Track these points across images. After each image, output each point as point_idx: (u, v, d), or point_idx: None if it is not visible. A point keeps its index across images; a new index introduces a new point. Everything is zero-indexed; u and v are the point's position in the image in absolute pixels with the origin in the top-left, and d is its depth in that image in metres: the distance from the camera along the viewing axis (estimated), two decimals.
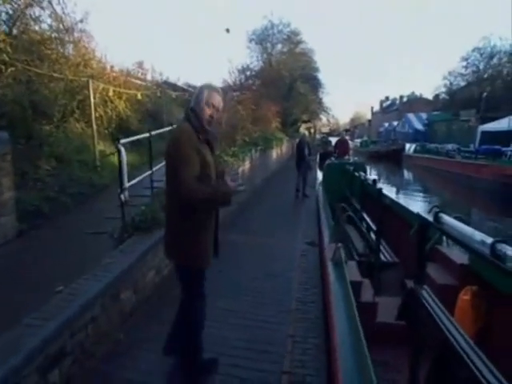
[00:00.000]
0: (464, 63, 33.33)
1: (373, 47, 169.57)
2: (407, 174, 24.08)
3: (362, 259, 4.15)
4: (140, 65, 19.13)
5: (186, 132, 1.97)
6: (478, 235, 1.54)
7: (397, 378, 2.69)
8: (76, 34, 8.86)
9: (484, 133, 18.32)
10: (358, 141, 41.40)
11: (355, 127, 71.35)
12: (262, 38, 27.20)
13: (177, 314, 2.28)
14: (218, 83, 11.80)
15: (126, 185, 3.96)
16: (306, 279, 3.92)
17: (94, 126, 7.91)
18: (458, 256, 3.44)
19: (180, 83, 19.65)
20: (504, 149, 16.20)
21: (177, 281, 2.19)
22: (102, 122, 9.18)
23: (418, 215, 2.13)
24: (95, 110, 8.39)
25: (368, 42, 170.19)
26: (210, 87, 2.09)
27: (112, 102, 9.41)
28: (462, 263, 3.22)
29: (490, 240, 1.40)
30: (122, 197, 4.00)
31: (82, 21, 8.86)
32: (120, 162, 3.99)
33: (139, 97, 10.23)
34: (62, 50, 8.39)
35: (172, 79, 18.94)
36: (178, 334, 2.24)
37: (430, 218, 2.00)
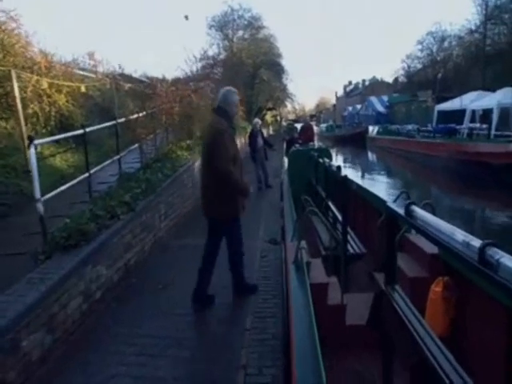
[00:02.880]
0: (419, 46, 34.42)
1: (336, 32, 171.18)
2: (371, 156, 24.44)
3: (329, 253, 3.82)
4: (91, 56, 17.61)
5: (223, 124, 2.83)
6: (460, 235, 1.37)
7: None
8: None
9: (440, 112, 18.79)
10: (324, 126, 41.61)
11: (321, 112, 71.85)
12: (222, 25, 26.15)
13: (202, 265, 3.12)
14: (174, 72, 10.92)
15: (38, 194, 3.25)
16: (266, 287, 3.45)
17: (24, 125, 6.88)
18: (429, 245, 3.24)
19: (137, 75, 18.34)
20: (458, 127, 16.59)
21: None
22: (38, 119, 8.12)
23: (386, 206, 2.03)
24: (27, 105, 7.35)
25: (331, 28, 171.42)
26: (234, 91, 2.99)
27: (49, 96, 8.33)
28: (433, 253, 3.02)
29: (477, 243, 1.24)
30: (39, 207, 3.30)
31: None
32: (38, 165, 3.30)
33: (83, 89, 9.17)
34: None
35: (129, 71, 17.56)
36: (205, 282, 3.10)
37: (400, 210, 1.86)
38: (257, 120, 9.04)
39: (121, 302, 3.23)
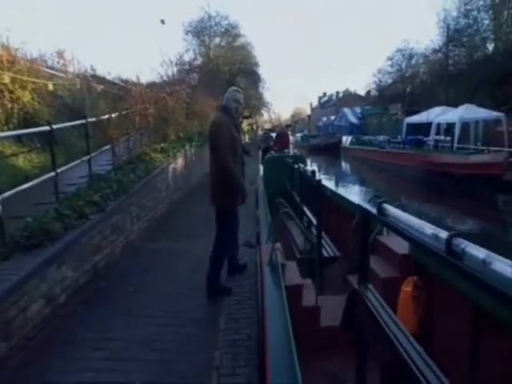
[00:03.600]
0: (390, 62, 36.07)
1: (312, 45, 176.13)
2: (345, 166, 25.11)
3: (304, 256, 3.85)
4: (60, 54, 16.95)
5: (222, 119, 3.15)
6: (430, 228, 1.43)
7: None
8: None
9: (409, 125, 19.82)
10: (299, 135, 42.38)
11: (296, 122, 73.17)
12: (198, 31, 26.19)
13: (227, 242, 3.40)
14: (149, 75, 10.69)
15: None
16: (240, 288, 3.41)
17: None
18: (400, 246, 3.37)
19: (110, 77, 17.82)
20: (425, 138, 17.61)
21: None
22: None
23: (359, 206, 2.05)
24: None
25: (308, 40, 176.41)
26: (234, 89, 3.33)
27: (12, 92, 7.88)
28: (404, 253, 3.12)
29: (444, 234, 1.30)
30: None
31: None
32: None
33: (51, 87, 8.77)
34: None
35: (102, 73, 17.03)
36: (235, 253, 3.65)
37: (373, 209, 1.91)
38: None
39: (88, 305, 3.06)
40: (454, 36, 25.22)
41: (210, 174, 3.29)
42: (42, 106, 8.90)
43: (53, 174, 4.46)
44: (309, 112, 72.23)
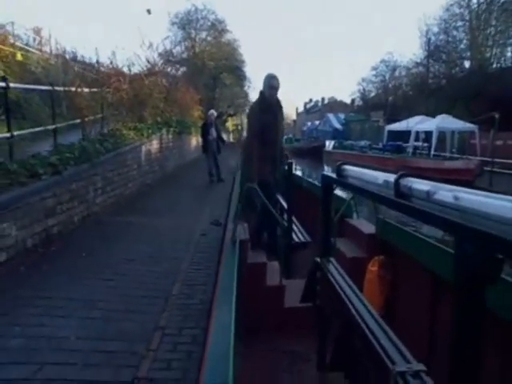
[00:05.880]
0: (374, 72, 36.88)
1: (300, 51, 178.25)
2: (327, 169, 25.38)
3: (273, 241, 3.76)
4: (37, 31, 16.25)
5: (255, 103, 3.35)
6: (382, 176, 1.43)
7: (304, 369, 2.30)
8: None
9: (390, 132, 20.53)
10: (284, 138, 42.59)
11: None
12: (185, 23, 25.78)
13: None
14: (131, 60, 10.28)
15: None
16: (200, 259, 3.23)
17: None
18: (367, 226, 3.33)
19: (94, 61, 17.16)
20: (404, 145, 18.48)
21: None
22: None
23: (322, 175, 2.12)
24: None
25: (296, 46, 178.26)
26: (269, 76, 3.18)
27: None
28: (370, 233, 3.06)
29: (392, 178, 1.29)
30: None
31: None
32: None
33: (19, 57, 8.29)
34: None
35: (85, 58, 16.39)
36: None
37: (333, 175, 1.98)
38: (212, 111, 8.76)
39: (31, 267, 2.80)
40: (434, 51, 26.16)
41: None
42: (10, 77, 8.41)
43: (7, 134, 4.13)
44: (294, 117, 72.88)
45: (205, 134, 8.09)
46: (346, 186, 2.37)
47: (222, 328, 1.37)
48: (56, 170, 3.59)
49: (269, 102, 3.13)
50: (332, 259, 2.44)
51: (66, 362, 1.70)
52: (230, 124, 39.98)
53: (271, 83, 3.13)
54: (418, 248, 2.27)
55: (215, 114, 8.84)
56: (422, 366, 1.22)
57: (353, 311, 1.62)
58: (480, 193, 0.97)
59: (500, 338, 1.54)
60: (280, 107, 3.23)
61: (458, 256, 0.89)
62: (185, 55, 24.62)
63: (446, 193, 1.10)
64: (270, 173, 3.20)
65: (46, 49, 14.88)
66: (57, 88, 5.85)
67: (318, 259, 2.47)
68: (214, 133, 8.03)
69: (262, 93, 3.18)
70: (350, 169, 2.04)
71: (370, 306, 1.65)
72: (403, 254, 2.37)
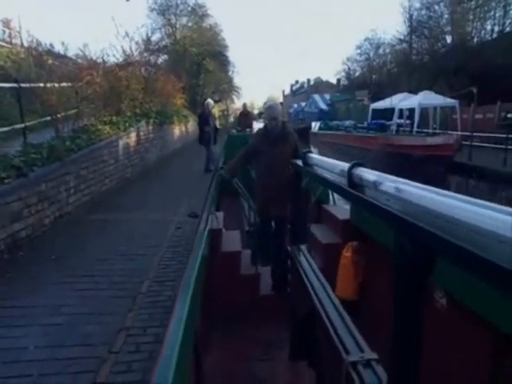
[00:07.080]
0: (358, 51, 36.37)
1: (286, 32, 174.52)
2: (313, 151, 25.27)
3: (251, 229, 3.76)
4: (6, 23, 15.51)
5: (253, 135, 3.66)
6: (339, 166, 1.41)
7: (277, 356, 2.34)
8: None
9: (374, 110, 20.35)
10: None
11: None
12: (164, 8, 24.90)
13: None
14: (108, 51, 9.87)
15: None
16: (173, 254, 3.22)
17: None
18: (342, 212, 3.33)
19: (70, 54, 16.41)
20: (388, 123, 18.09)
21: None
22: None
23: (292, 163, 2.22)
24: None
25: (282, 29, 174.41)
26: (267, 107, 3.31)
27: None
28: (345, 219, 3.08)
29: (346, 167, 1.29)
30: None
31: None
32: None
33: None
34: None
35: (60, 50, 15.64)
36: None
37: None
38: (209, 100, 8.48)
39: None
40: (417, 27, 25.86)
41: None
42: None
43: None
44: (281, 99, 72.09)
45: (202, 124, 7.93)
46: (308, 175, 2.36)
47: (178, 322, 1.36)
48: (21, 173, 3.49)
49: (271, 134, 2.92)
50: (303, 247, 2.44)
51: (21, 375, 1.68)
52: (215, 110, 39.29)
53: (268, 114, 3.05)
54: (388, 234, 2.33)
55: (212, 103, 8.54)
56: (374, 355, 1.22)
57: (315, 301, 1.62)
58: (421, 186, 0.96)
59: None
60: (285, 141, 2.89)
61: (396, 248, 0.89)
62: (165, 42, 23.87)
63: (389, 184, 1.09)
64: (276, 206, 2.85)
65: (17, 41, 14.28)
66: (23, 85, 5.61)
67: (289, 248, 2.46)
68: (211, 123, 7.86)
69: (265, 125, 3.13)
70: (314, 157, 2.01)
71: (333, 296, 1.65)
72: (375, 240, 2.39)
